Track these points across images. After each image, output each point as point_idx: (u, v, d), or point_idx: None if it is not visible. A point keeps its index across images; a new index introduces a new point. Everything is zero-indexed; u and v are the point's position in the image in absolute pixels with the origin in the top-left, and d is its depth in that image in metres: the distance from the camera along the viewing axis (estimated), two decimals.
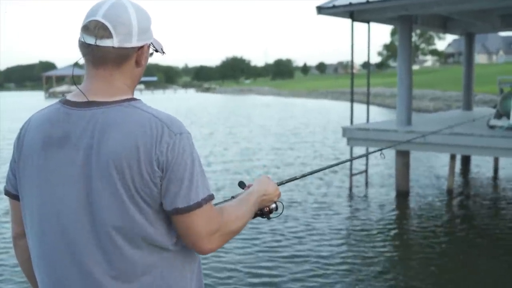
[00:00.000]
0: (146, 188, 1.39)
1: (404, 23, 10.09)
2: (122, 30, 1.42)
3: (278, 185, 1.86)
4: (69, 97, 1.51)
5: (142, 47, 1.49)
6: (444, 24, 12.94)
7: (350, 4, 9.54)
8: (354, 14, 10.19)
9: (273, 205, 1.79)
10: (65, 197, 1.42)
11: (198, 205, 1.41)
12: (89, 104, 1.44)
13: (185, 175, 1.40)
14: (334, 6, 9.81)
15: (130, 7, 1.45)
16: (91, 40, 1.41)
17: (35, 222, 1.48)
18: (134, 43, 1.45)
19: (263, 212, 1.75)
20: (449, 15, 10.78)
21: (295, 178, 2.09)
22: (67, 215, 1.42)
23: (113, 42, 1.42)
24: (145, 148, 1.37)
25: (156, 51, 1.59)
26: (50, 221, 1.45)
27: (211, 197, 1.46)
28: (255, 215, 1.72)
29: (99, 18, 1.42)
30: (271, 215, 1.78)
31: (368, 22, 10.81)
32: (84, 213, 1.41)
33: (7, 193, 1.61)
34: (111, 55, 1.43)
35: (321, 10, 9.92)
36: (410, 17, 10.09)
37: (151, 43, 1.55)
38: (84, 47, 1.44)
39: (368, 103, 11.39)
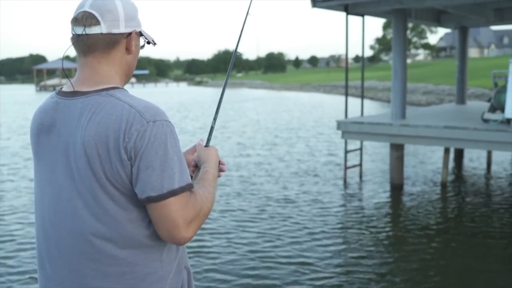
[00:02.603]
0: (116, 176, 1.41)
1: (398, 17, 10.09)
2: (109, 17, 1.49)
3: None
4: (63, 88, 1.59)
5: (130, 34, 1.55)
6: (438, 18, 12.95)
7: None
8: (348, 7, 10.18)
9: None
10: (51, 181, 1.52)
11: (172, 193, 1.39)
12: (74, 94, 1.51)
13: (155, 163, 1.39)
14: None
15: None
16: (80, 30, 1.49)
17: (36, 208, 1.61)
18: (122, 29, 1.52)
19: None
20: (443, 8, 10.77)
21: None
22: (52, 199, 1.52)
23: (101, 29, 1.48)
24: (114, 135, 1.39)
25: (148, 42, 1.63)
26: (41, 203, 1.56)
27: (189, 186, 1.44)
28: None
29: (86, 8, 1.49)
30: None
31: (362, 15, 10.79)
32: (65, 198, 1.49)
33: None
34: (100, 41, 1.49)
35: (315, 3, 9.88)
36: (405, 11, 10.09)
37: (143, 34, 1.61)
38: (75, 38, 1.52)
39: (362, 96, 11.39)
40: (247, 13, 2.02)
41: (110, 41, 1.51)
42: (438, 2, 9.56)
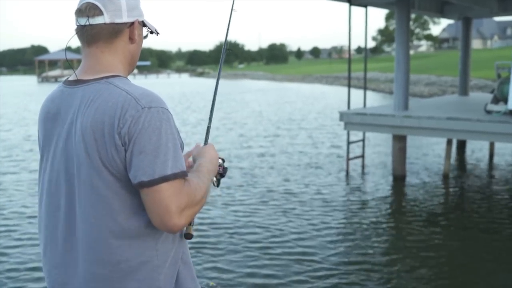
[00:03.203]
0: (112, 162, 1.43)
1: (401, 7, 10.05)
2: (112, 7, 1.52)
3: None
4: (70, 77, 1.62)
5: (133, 23, 1.58)
6: (441, 9, 12.89)
7: None
8: None
9: (220, 170, 1.75)
10: (56, 168, 1.55)
11: (165, 179, 1.39)
12: (77, 82, 1.55)
13: (148, 148, 1.39)
14: None
15: None
16: (84, 21, 1.52)
17: (41, 194, 1.63)
18: (125, 18, 1.55)
19: (217, 178, 1.73)
20: None
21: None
22: (55, 186, 1.56)
23: (105, 19, 1.52)
24: (109, 121, 1.42)
25: (151, 32, 1.68)
26: (48, 192, 1.59)
27: (183, 174, 1.44)
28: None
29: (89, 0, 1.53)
30: (219, 181, 1.75)
31: (365, 6, 10.75)
32: (68, 184, 1.52)
33: None
34: (103, 31, 1.53)
35: None
36: (408, 1, 10.05)
37: (145, 24, 1.64)
38: (79, 29, 1.55)
39: (365, 88, 11.37)
40: (232, 9, 2.05)
41: (113, 31, 1.54)
42: None
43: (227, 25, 2.07)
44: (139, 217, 1.48)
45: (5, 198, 8.77)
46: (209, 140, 1.84)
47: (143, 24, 1.64)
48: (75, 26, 1.57)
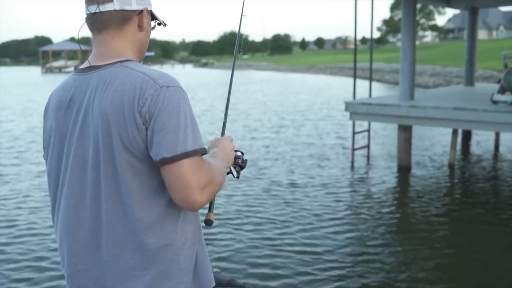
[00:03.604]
0: (133, 142, 1.45)
1: None
2: None
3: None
4: (81, 66, 1.65)
5: (142, 11, 1.62)
6: None
7: None
8: None
9: (243, 157, 1.79)
10: (74, 154, 1.55)
11: (186, 155, 1.41)
12: (89, 68, 1.58)
13: (169, 125, 1.42)
14: None
15: None
16: (94, 8, 1.56)
17: (52, 183, 1.64)
18: (134, 6, 1.59)
19: (236, 170, 1.77)
20: None
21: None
22: (73, 172, 1.56)
23: (114, 6, 1.56)
24: (128, 102, 1.44)
25: (159, 24, 1.72)
26: (63, 177, 1.59)
27: (203, 150, 1.47)
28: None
29: None
30: (239, 173, 1.78)
31: None
32: (84, 170, 1.53)
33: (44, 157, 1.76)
34: (113, 18, 1.56)
35: None
36: None
37: (154, 14, 1.68)
38: (89, 17, 1.59)
39: (370, 78, 11.34)
40: (241, 14, 2.13)
41: (123, 18, 1.58)
42: None
43: (238, 31, 2.14)
44: (160, 199, 1.50)
45: (7, 192, 8.69)
46: (214, 130, 1.86)
47: (152, 15, 1.68)
48: (85, 15, 1.60)
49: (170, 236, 1.51)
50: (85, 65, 1.62)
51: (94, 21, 1.58)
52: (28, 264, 5.64)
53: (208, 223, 1.61)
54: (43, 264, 5.62)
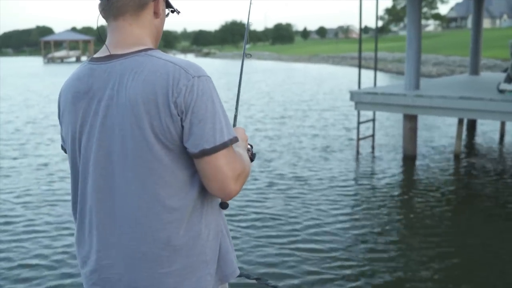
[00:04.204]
0: (166, 132, 1.42)
1: None
2: None
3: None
4: (95, 55, 1.58)
5: None
6: None
7: None
8: None
9: (253, 151, 1.78)
10: (95, 146, 1.50)
11: (224, 145, 1.42)
12: (109, 57, 1.51)
13: (206, 116, 1.41)
14: None
15: None
16: None
17: (76, 176, 1.60)
18: None
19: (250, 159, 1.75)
20: None
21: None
22: (97, 163, 1.50)
23: None
24: (162, 92, 1.40)
25: (173, 11, 1.68)
26: (86, 173, 1.54)
27: (236, 139, 1.48)
28: None
29: None
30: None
31: None
32: (108, 162, 1.49)
33: (62, 147, 1.73)
34: (130, 3, 1.51)
35: None
36: None
37: (168, 2, 1.64)
38: (104, 3, 1.53)
39: (375, 67, 11.28)
40: (248, 21, 2.10)
41: (140, 3, 1.53)
42: None
43: (246, 34, 2.12)
44: (189, 191, 1.48)
45: (5, 186, 8.63)
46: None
47: (166, 2, 1.64)
48: (99, 2, 1.55)
49: (197, 228, 1.50)
50: (102, 53, 1.55)
51: (110, 6, 1.53)
52: (25, 262, 5.53)
53: (224, 206, 1.60)
54: (43, 262, 5.57)
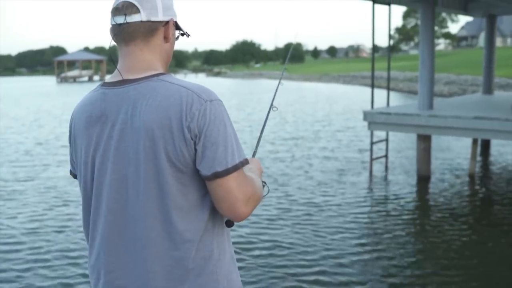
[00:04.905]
0: (180, 156, 1.45)
1: (426, 5, 9.92)
2: (148, 5, 1.55)
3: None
4: (107, 79, 1.62)
5: (168, 22, 1.61)
6: (465, 6, 12.71)
7: None
8: None
9: (265, 188, 1.80)
10: (109, 170, 1.53)
11: (236, 168, 1.46)
12: (122, 82, 1.55)
13: (219, 140, 1.45)
14: None
15: None
16: (121, 19, 1.54)
17: (88, 199, 1.62)
18: (160, 17, 1.58)
19: None
20: None
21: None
22: (111, 187, 1.53)
23: (141, 17, 1.54)
24: (176, 116, 1.44)
25: (182, 34, 1.72)
26: (99, 196, 1.57)
27: (247, 162, 1.52)
28: None
29: None
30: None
31: (388, 4, 10.63)
32: (122, 185, 1.52)
33: (71, 173, 1.79)
34: (140, 29, 1.55)
35: None
36: None
37: (178, 25, 1.68)
38: (115, 28, 1.57)
39: (388, 87, 11.25)
40: (279, 81, 2.25)
41: (150, 29, 1.57)
42: None
43: (275, 91, 2.25)
44: (200, 212, 1.52)
45: (14, 210, 8.52)
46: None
47: (176, 25, 1.68)
48: (111, 26, 1.59)
49: (209, 248, 1.53)
50: (114, 78, 1.59)
51: (121, 32, 1.57)
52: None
53: (229, 224, 1.63)
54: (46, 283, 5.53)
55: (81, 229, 6.84)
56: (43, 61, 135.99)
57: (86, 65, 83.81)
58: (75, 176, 1.75)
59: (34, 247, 6.57)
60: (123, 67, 1.58)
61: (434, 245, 6.51)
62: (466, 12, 12.88)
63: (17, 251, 6.43)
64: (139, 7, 1.54)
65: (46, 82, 71.95)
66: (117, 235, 1.54)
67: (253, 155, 1.98)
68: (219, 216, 1.57)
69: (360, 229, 7.11)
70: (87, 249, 1.65)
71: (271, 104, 2.21)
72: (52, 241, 6.79)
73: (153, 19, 1.57)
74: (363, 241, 6.66)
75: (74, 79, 75.93)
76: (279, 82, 2.27)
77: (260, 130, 2.12)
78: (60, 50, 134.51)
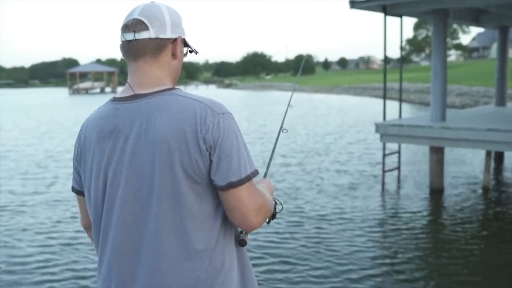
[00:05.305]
0: (195, 167, 1.49)
1: (438, 17, 9.88)
2: (157, 23, 1.60)
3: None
4: (117, 95, 1.67)
5: (176, 39, 1.65)
6: (477, 18, 12.64)
7: None
8: (387, 8, 10.00)
9: (278, 206, 1.84)
10: (122, 183, 1.55)
11: (248, 178, 1.52)
12: (134, 97, 1.59)
13: (233, 151, 1.51)
14: (367, 0, 9.63)
15: (162, 5, 1.64)
16: (130, 36, 1.59)
17: (98, 213, 1.63)
18: (169, 34, 1.62)
19: (273, 215, 1.81)
20: (485, 8, 10.50)
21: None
22: (125, 200, 1.55)
23: (150, 34, 1.59)
24: (190, 129, 1.49)
25: (191, 51, 1.76)
26: (111, 210, 1.58)
27: (257, 172, 1.58)
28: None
29: (136, 16, 1.60)
30: (272, 220, 1.82)
31: (400, 16, 10.60)
32: (136, 197, 1.54)
33: (73, 189, 1.80)
34: (149, 45, 1.60)
35: (354, 4, 9.74)
36: (445, 11, 9.86)
37: (186, 42, 1.72)
38: (125, 44, 1.62)
39: (400, 99, 11.20)
40: (289, 104, 2.31)
41: (158, 46, 1.61)
42: (480, 1, 9.31)
43: (283, 119, 2.30)
44: (214, 223, 1.56)
45: (21, 221, 8.53)
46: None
47: (184, 42, 1.72)
48: (121, 42, 1.64)
49: (221, 258, 1.56)
50: (126, 93, 1.62)
51: (130, 48, 1.61)
52: None
53: (242, 243, 1.67)
54: None
55: (88, 241, 6.85)
56: (56, 73, 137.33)
57: (98, 77, 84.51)
58: (77, 192, 1.78)
59: (41, 260, 6.56)
60: (134, 82, 1.62)
61: (447, 261, 6.41)
62: (478, 23, 12.81)
63: (24, 263, 6.41)
64: (148, 24, 1.59)
65: (59, 94, 72.57)
66: (129, 247, 1.56)
67: (265, 176, 2.01)
68: (229, 226, 1.60)
69: (371, 244, 7.04)
70: (94, 262, 1.65)
71: (281, 127, 2.26)
72: (59, 254, 6.79)
73: (162, 36, 1.61)
74: (374, 256, 6.58)
75: (86, 91, 76.59)
76: (288, 105, 2.32)
77: (271, 151, 2.19)
78: (72, 62, 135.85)
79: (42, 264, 6.40)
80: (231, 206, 1.52)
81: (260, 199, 1.57)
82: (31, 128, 24.19)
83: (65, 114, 33.09)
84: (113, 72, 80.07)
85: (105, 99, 1.72)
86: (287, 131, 2.25)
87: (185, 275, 1.52)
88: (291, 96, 2.34)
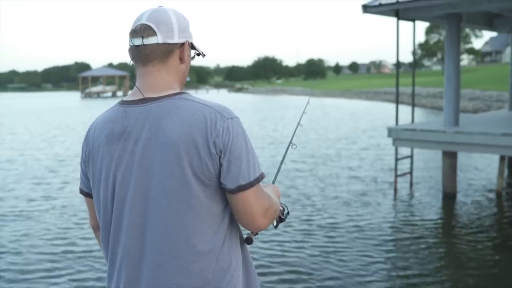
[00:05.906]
0: (205, 170, 1.52)
1: (451, 21, 9.83)
2: (164, 28, 1.62)
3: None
4: (125, 98, 1.69)
5: (183, 44, 1.67)
6: (491, 22, 12.56)
7: (397, 2, 9.32)
8: (399, 12, 9.98)
9: (285, 211, 1.89)
10: (132, 185, 1.58)
11: (257, 181, 1.57)
12: (144, 100, 1.61)
13: (242, 155, 1.55)
14: (380, 5, 9.60)
15: (169, 11, 1.66)
16: (138, 41, 1.61)
17: (107, 215, 1.65)
18: (176, 39, 1.64)
19: (281, 219, 1.87)
20: (499, 12, 10.44)
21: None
22: (134, 202, 1.57)
23: (158, 39, 1.61)
24: (201, 133, 1.51)
25: (198, 54, 1.79)
26: (120, 211, 1.60)
27: (263, 175, 1.61)
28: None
29: (144, 21, 1.63)
30: (280, 224, 1.88)
31: (413, 20, 10.57)
32: (145, 199, 1.56)
33: (81, 191, 1.83)
34: (157, 51, 1.62)
35: (367, 8, 9.72)
36: (458, 15, 9.81)
37: (194, 46, 1.74)
38: (133, 49, 1.64)
39: (413, 103, 11.15)
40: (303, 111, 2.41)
41: (166, 51, 1.63)
42: (494, 5, 9.25)
43: (295, 129, 2.37)
44: (221, 224, 1.59)
45: (28, 227, 8.50)
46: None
47: (192, 46, 1.74)
48: (129, 47, 1.66)
49: (228, 259, 1.60)
50: (135, 96, 1.64)
51: (138, 53, 1.63)
52: None
53: (249, 241, 1.72)
54: None
55: (93, 248, 6.87)
56: (68, 77, 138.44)
57: (109, 80, 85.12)
58: (85, 194, 1.80)
59: (48, 268, 6.47)
60: (143, 86, 1.64)
61: (464, 273, 6.25)
62: (491, 27, 12.73)
63: (31, 271, 6.33)
64: (156, 30, 1.61)
65: (71, 97, 73.12)
66: (139, 249, 1.58)
67: (273, 183, 2.04)
68: (235, 226, 1.65)
69: (384, 255, 6.90)
70: (98, 270, 1.68)
71: (290, 142, 2.30)
72: (66, 259, 6.75)
73: (169, 41, 1.63)
74: (387, 268, 6.46)
75: (98, 95, 77.15)
76: (298, 124, 2.38)
77: (279, 163, 2.24)
78: (84, 66, 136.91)
79: (45, 274, 6.22)
80: (239, 208, 1.57)
81: (267, 202, 1.61)
82: (42, 131, 24.29)
83: (76, 117, 33.27)
84: (124, 76, 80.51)
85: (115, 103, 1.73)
86: (296, 146, 2.30)
87: (193, 276, 1.55)
88: (303, 113, 2.34)
